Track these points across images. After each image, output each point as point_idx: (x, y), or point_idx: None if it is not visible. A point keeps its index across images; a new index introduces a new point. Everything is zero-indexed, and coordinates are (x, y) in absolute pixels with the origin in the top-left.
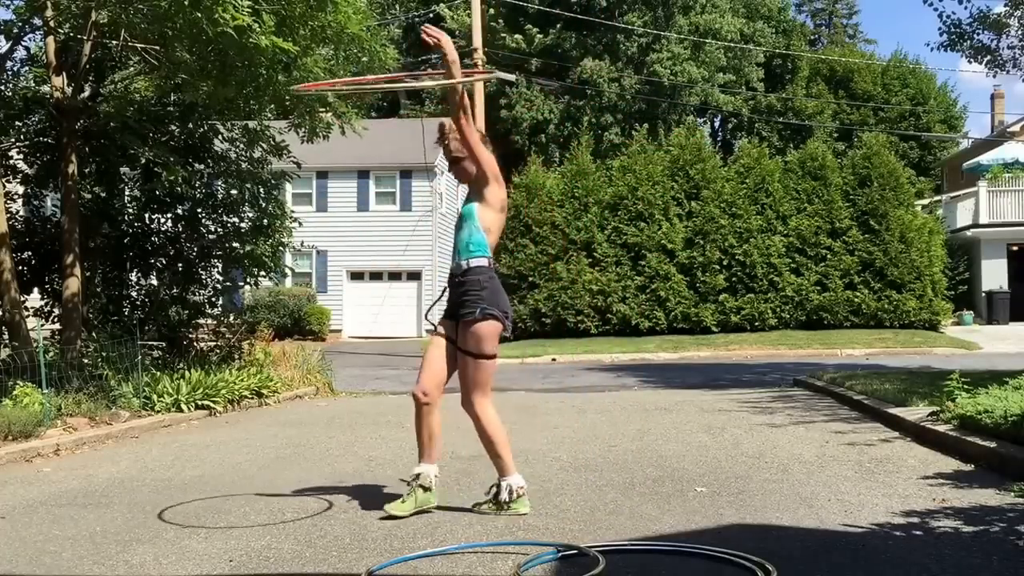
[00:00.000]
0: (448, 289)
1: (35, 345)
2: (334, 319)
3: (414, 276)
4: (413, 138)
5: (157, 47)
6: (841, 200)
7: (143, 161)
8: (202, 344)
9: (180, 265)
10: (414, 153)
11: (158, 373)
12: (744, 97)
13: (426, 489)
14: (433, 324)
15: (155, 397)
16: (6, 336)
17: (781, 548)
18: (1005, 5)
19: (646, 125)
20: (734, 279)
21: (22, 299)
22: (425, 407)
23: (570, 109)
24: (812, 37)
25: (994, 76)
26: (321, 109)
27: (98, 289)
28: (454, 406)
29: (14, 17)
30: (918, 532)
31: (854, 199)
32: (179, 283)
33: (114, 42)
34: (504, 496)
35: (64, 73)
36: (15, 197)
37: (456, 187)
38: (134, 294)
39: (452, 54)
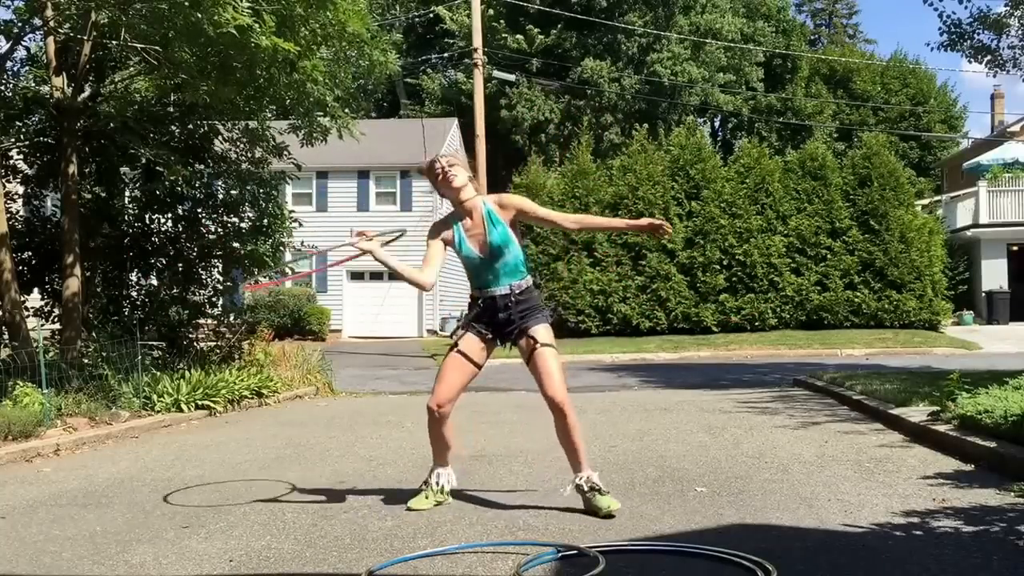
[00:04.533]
0: (490, 309)
1: (35, 345)
2: (334, 319)
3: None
4: (413, 138)
5: (157, 47)
6: (841, 200)
7: (143, 161)
8: (202, 344)
9: (180, 265)
10: (414, 153)
11: (158, 373)
12: (744, 97)
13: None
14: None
15: (155, 397)
16: (6, 336)
17: (781, 548)
18: (1005, 5)
19: (646, 125)
20: (734, 279)
21: (22, 299)
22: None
23: (570, 109)
24: (812, 37)
25: (994, 76)
26: (319, 113)
27: (98, 289)
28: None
29: (14, 17)
30: (918, 532)
31: (854, 199)
32: (179, 283)
33: (114, 42)
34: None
35: (64, 73)
36: (15, 197)
37: None
38: (134, 294)
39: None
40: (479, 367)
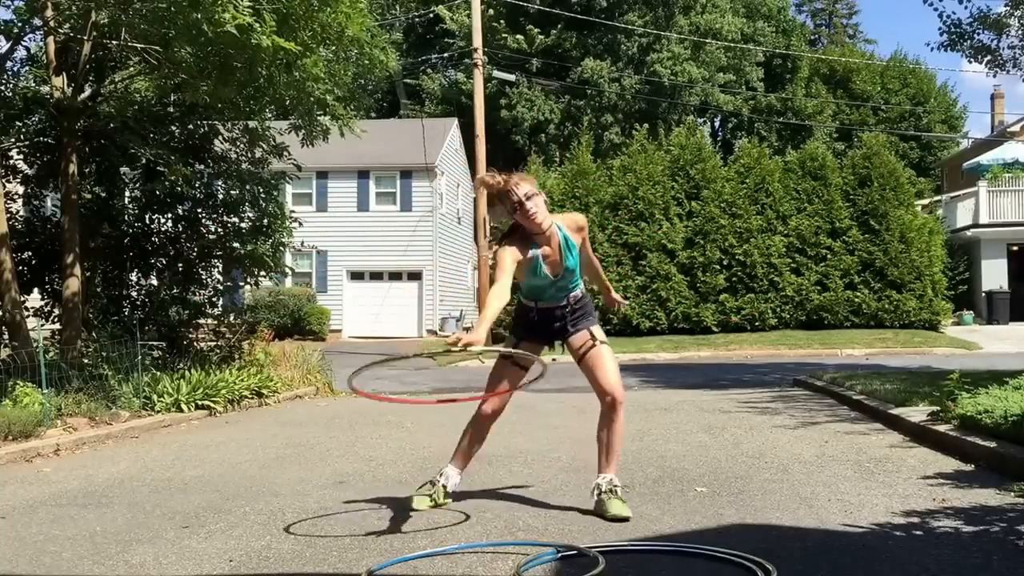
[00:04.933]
0: (545, 318)
1: (35, 345)
2: (334, 319)
3: (415, 276)
4: (413, 138)
5: (157, 47)
6: (841, 200)
7: (143, 161)
8: (202, 344)
9: (180, 265)
10: (414, 153)
11: (158, 373)
12: (744, 97)
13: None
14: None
15: (155, 397)
16: (6, 336)
17: (781, 548)
18: (1005, 5)
19: (646, 125)
20: (734, 279)
21: (22, 299)
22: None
23: (570, 109)
24: (812, 37)
25: (994, 76)
26: (320, 113)
27: (98, 289)
28: (455, 412)
29: (14, 17)
30: (918, 532)
31: (854, 199)
32: (179, 283)
33: (114, 42)
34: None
35: (64, 73)
36: (15, 197)
37: (456, 187)
38: (134, 294)
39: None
40: (525, 371)
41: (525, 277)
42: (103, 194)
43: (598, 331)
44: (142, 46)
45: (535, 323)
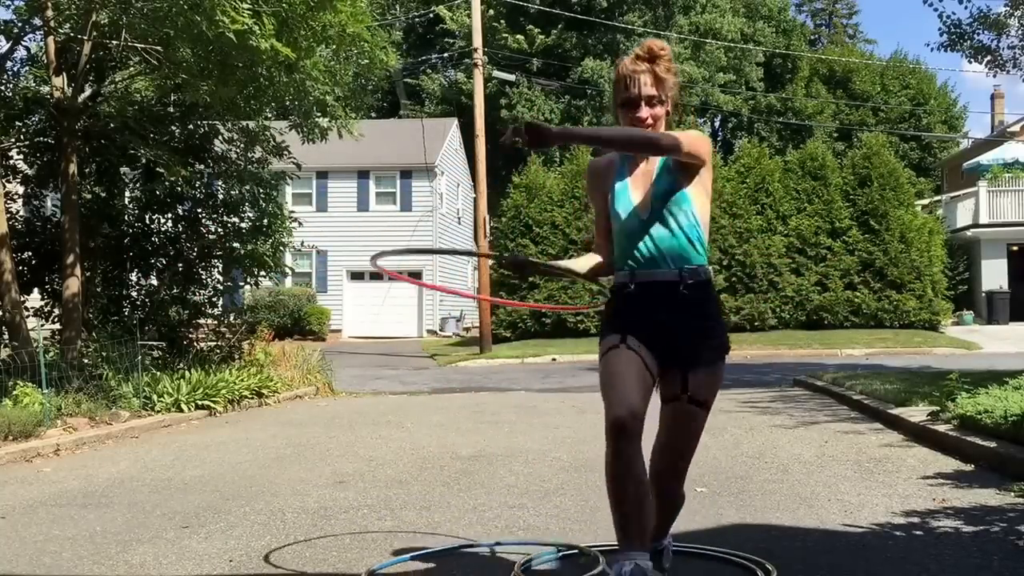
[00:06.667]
0: (643, 302)
1: (35, 345)
2: (334, 319)
3: (414, 276)
4: (413, 138)
5: (157, 47)
6: (841, 200)
7: (143, 161)
8: (202, 344)
9: (180, 265)
10: (414, 153)
11: (158, 373)
12: (744, 97)
13: None
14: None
15: (155, 397)
16: (6, 336)
17: (781, 548)
18: (1005, 5)
19: None
20: (734, 279)
21: (22, 299)
22: (635, 437)
23: (570, 109)
24: (812, 37)
25: (994, 76)
26: (319, 114)
27: (98, 289)
28: (446, 404)
29: (14, 17)
30: (918, 532)
31: (854, 199)
32: (179, 283)
33: (114, 42)
34: None
35: (64, 73)
36: (15, 197)
37: (456, 187)
38: (134, 294)
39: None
40: (654, 377)
41: (610, 216)
42: (103, 194)
43: (703, 381)
44: (142, 46)
45: (629, 312)
